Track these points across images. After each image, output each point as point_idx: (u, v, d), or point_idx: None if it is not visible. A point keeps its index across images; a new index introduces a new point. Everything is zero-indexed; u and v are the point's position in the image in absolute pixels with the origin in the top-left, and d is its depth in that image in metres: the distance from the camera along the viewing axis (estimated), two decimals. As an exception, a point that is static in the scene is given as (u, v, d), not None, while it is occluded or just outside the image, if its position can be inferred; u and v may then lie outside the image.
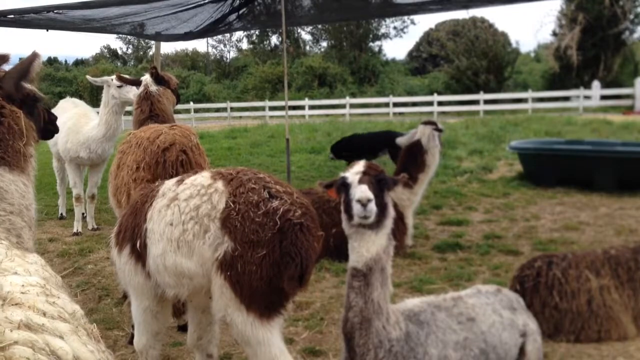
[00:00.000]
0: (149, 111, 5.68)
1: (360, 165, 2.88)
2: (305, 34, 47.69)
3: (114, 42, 59.97)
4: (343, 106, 30.34)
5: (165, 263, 2.99)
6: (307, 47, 48.89)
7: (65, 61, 65.29)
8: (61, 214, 9.10)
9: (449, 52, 38.11)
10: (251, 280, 2.81)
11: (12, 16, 11.64)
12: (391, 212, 2.82)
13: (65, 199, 9.16)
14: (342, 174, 2.89)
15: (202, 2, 10.36)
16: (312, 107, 31.08)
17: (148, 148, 4.25)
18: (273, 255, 2.81)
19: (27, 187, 2.73)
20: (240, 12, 11.46)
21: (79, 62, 63.83)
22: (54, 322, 1.33)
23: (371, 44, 44.72)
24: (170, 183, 3.18)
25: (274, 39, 49.31)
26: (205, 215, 2.90)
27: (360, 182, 2.75)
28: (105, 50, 63.02)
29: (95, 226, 8.28)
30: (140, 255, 3.11)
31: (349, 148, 12.05)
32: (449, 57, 38.05)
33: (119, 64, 59.22)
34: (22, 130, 2.73)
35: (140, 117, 5.53)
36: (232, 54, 56.60)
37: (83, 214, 8.32)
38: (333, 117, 27.02)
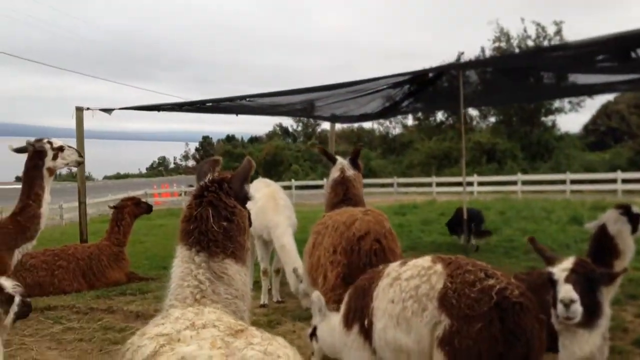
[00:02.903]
0: (343, 195, 6.05)
1: (569, 262, 2.85)
2: (472, 110, 47.45)
3: (285, 120, 64.20)
4: (514, 183, 29.36)
5: (386, 338, 3.25)
6: (474, 122, 48.48)
7: (242, 138, 71.09)
8: (248, 286, 9.75)
9: (632, 126, 35.56)
10: (470, 356, 2.88)
11: (210, 104, 13.21)
12: (606, 311, 2.75)
13: (253, 272, 9.83)
14: (549, 269, 2.89)
15: (380, 88, 10.96)
16: (481, 184, 30.47)
17: (344, 233, 4.57)
18: (490, 330, 2.87)
19: (247, 276, 3.09)
20: (417, 96, 11.91)
21: (253, 139, 69.10)
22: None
23: (543, 118, 43.17)
24: (395, 265, 3.49)
25: (439, 115, 49.65)
26: (424, 294, 3.11)
27: (567, 280, 2.73)
28: (278, 128, 67.50)
29: (280, 299, 8.77)
30: (367, 333, 3.40)
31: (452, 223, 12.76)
32: (633, 131, 35.46)
33: (289, 140, 62.90)
34: (246, 227, 3.12)
35: (334, 200, 5.91)
36: (398, 130, 57.74)
37: (268, 287, 8.87)
38: (504, 194, 26.20)
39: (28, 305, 3.79)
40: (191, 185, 42.03)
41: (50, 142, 5.90)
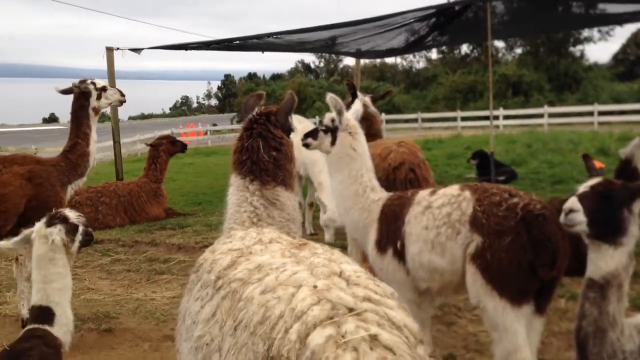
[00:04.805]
0: (367, 130, 6.22)
1: (593, 180, 3.05)
2: (498, 41, 46.42)
3: (307, 56, 63.18)
4: (541, 115, 29.09)
5: (420, 260, 3.57)
6: (500, 54, 47.51)
7: (264, 76, 70.58)
8: (281, 218, 10.15)
9: (664, 54, 34.55)
10: (501, 266, 3.23)
11: (238, 42, 13.31)
12: (631, 231, 2.91)
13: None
14: (578, 186, 3.11)
15: (406, 22, 10.94)
16: (506, 117, 30.24)
17: (380, 165, 4.81)
18: (519, 241, 3.21)
19: (295, 202, 3.37)
20: (443, 29, 11.85)
21: (275, 77, 68.54)
22: (384, 299, 1.80)
23: (572, 48, 42.07)
24: (424, 193, 3.76)
25: (464, 48, 48.71)
26: (456, 220, 3.43)
27: (579, 195, 2.95)
28: (300, 65, 66.65)
29: (313, 231, 9.16)
30: (401, 254, 3.69)
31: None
32: (664, 59, 34.47)
33: (311, 77, 62.23)
34: (293, 156, 3.38)
35: None
36: (421, 64, 56.78)
37: (302, 220, 9.23)
38: (530, 128, 26.02)
39: (90, 234, 4.03)
40: (215, 124, 42.36)
41: (94, 83, 6.13)
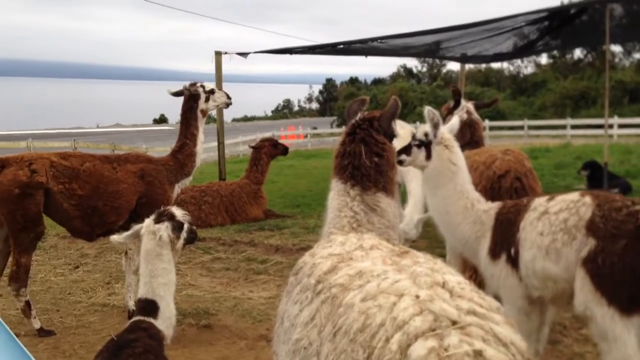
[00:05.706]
0: (470, 137, 6.04)
1: None
2: (615, 46, 43.75)
3: (410, 60, 62.14)
4: (661, 125, 27.10)
5: (534, 267, 3.45)
6: (617, 60, 44.76)
7: (365, 80, 70.59)
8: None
9: None
10: (613, 272, 3.06)
11: (342, 46, 13.40)
12: None
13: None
14: None
15: (517, 26, 10.54)
16: (622, 126, 28.43)
17: (484, 173, 4.64)
18: (637, 246, 3.03)
19: (396, 208, 3.29)
20: (555, 33, 11.31)
21: (377, 81, 68.31)
22: (490, 313, 1.71)
23: (698, 53, 38.96)
24: (541, 199, 3.64)
25: (577, 52, 46.35)
26: (573, 226, 3.28)
27: None
28: (402, 69, 65.87)
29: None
30: (514, 261, 3.59)
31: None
32: None
33: (413, 82, 61.45)
34: (395, 163, 3.31)
35: (459, 142, 5.93)
36: (530, 69, 54.64)
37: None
38: (649, 138, 24.31)
39: (194, 232, 4.13)
40: (315, 128, 42.94)
41: (202, 86, 6.36)
